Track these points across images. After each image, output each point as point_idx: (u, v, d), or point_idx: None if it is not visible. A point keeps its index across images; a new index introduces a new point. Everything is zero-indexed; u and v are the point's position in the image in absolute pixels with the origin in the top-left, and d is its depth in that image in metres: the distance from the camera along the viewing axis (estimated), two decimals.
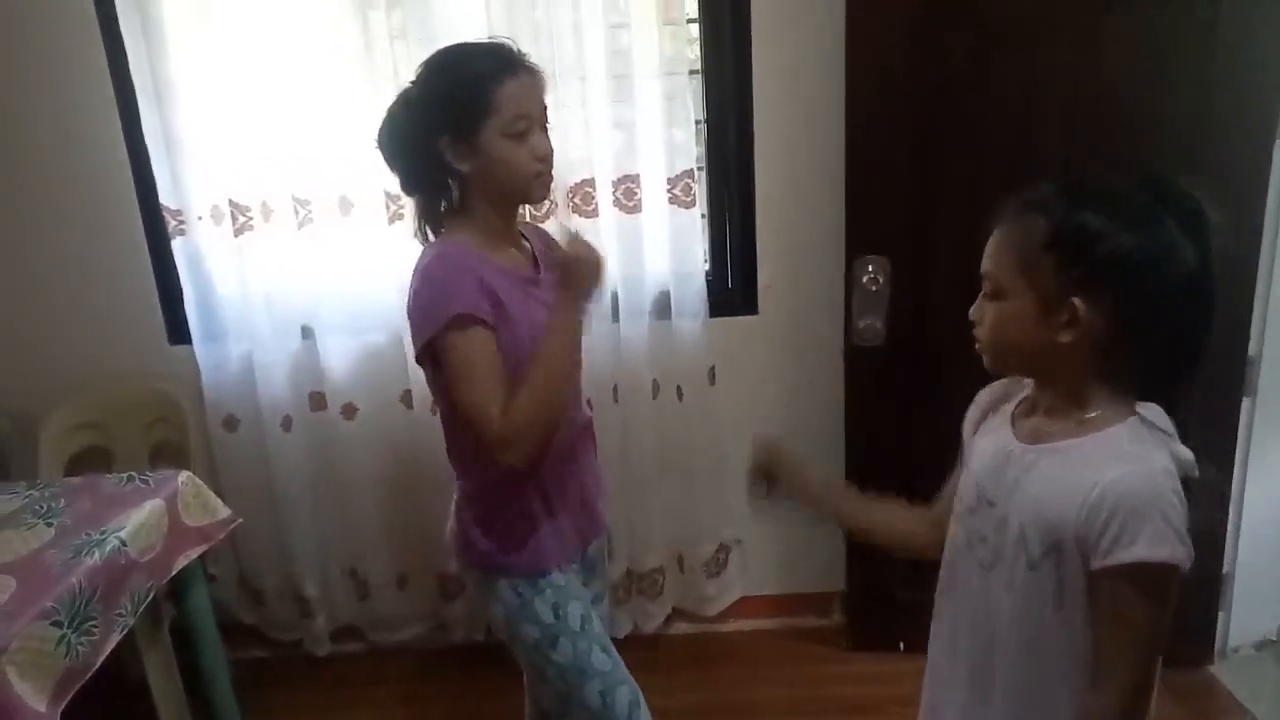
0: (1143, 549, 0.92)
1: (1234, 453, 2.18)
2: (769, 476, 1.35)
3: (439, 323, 1.32)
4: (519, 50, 1.39)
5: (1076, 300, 0.96)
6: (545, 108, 1.41)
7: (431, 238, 1.46)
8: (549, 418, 1.39)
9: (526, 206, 2.09)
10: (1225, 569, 2.28)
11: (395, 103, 1.41)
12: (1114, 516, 0.93)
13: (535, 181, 1.40)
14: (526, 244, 1.52)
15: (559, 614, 1.46)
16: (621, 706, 1.48)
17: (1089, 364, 0.99)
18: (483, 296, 1.33)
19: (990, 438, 1.12)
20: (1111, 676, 0.97)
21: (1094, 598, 0.98)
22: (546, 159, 1.40)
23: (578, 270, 1.39)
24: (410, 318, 1.37)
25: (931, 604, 1.25)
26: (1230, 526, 2.24)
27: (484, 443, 1.33)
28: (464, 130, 1.35)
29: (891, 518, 1.31)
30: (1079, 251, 0.96)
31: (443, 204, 1.44)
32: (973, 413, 1.20)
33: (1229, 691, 2.23)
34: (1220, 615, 2.31)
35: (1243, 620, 2.32)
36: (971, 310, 1.06)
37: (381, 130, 1.41)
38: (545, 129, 1.41)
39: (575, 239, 1.42)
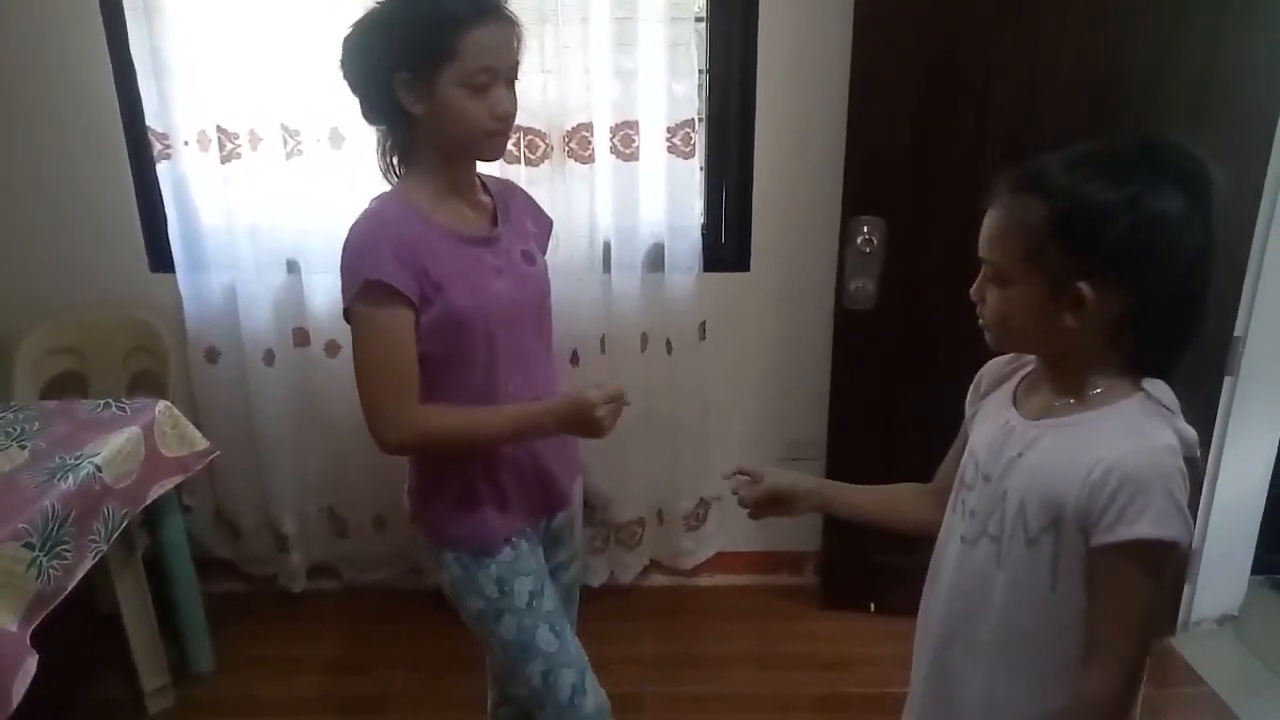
0: (1146, 526, 0.91)
1: (1212, 430, 2.21)
2: (771, 506, 1.30)
3: (350, 288, 1.26)
4: None
5: (1084, 285, 0.93)
6: (517, 63, 1.31)
7: (398, 174, 1.38)
8: (447, 449, 1.38)
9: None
10: (1194, 544, 2.32)
11: (358, 23, 1.29)
12: (1119, 493, 0.92)
13: (487, 140, 1.30)
14: (486, 198, 1.43)
15: (504, 589, 1.40)
16: (563, 689, 1.42)
17: (1097, 342, 0.97)
18: (401, 266, 1.24)
19: (991, 415, 1.10)
20: (1109, 653, 0.96)
21: (1090, 574, 0.97)
22: (506, 118, 1.30)
23: (588, 425, 1.32)
24: (340, 276, 1.30)
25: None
26: (1202, 502, 2.28)
27: (368, 417, 1.29)
28: (421, 71, 1.24)
29: (894, 502, 1.29)
30: (1086, 237, 0.92)
31: (402, 140, 1.35)
32: (977, 387, 1.18)
33: (1188, 663, 2.27)
34: (1186, 588, 2.35)
35: (1207, 595, 2.37)
36: (972, 290, 1.04)
37: (343, 51, 1.31)
38: (512, 85, 1.31)
39: (611, 399, 1.32)
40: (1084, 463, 0.95)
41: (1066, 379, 1.02)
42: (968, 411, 1.18)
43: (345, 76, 1.33)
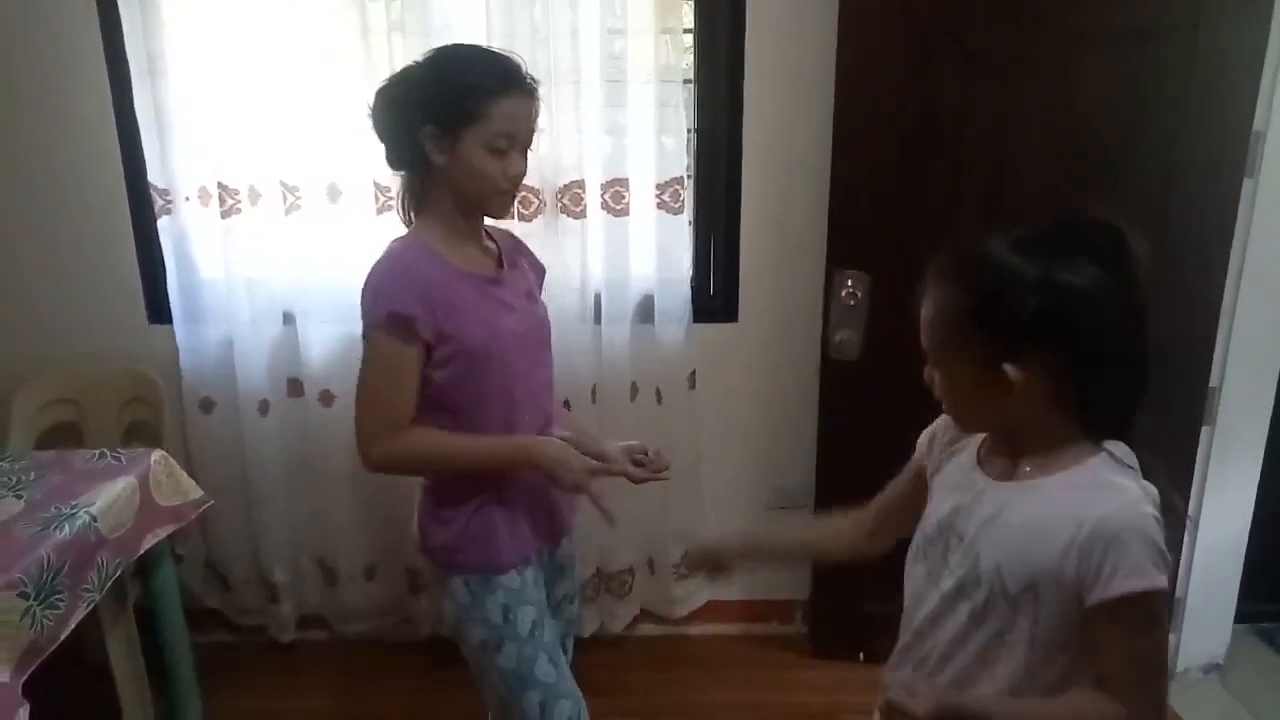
0: (1137, 580, 0.93)
1: (1191, 480, 2.25)
2: (712, 568, 1.38)
3: (370, 318, 1.37)
4: (527, 71, 1.41)
5: (1009, 367, 0.97)
6: (533, 131, 1.44)
7: (413, 219, 1.49)
8: (426, 469, 1.49)
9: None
10: (1178, 594, 2.34)
11: (394, 77, 1.43)
12: (1107, 552, 0.94)
13: (498, 198, 1.43)
14: (491, 244, 1.54)
15: (509, 617, 1.45)
16: None
17: (1044, 411, 1.01)
18: (420, 301, 1.35)
19: (958, 473, 1.13)
20: (1131, 707, 0.98)
21: (1090, 633, 0.99)
22: (517, 180, 1.43)
23: (562, 474, 1.43)
24: (360, 309, 1.41)
25: (893, 615, 1.27)
26: (1185, 553, 2.31)
27: (358, 433, 1.40)
28: (448, 127, 1.37)
29: (819, 535, 1.39)
30: (1001, 321, 0.97)
31: (421, 186, 1.47)
32: (935, 437, 1.21)
33: (1177, 714, 2.28)
34: (1171, 638, 2.37)
35: (1192, 644, 2.39)
36: (925, 374, 1.08)
37: (376, 100, 1.43)
38: (525, 151, 1.44)
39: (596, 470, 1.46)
40: (1065, 525, 0.97)
41: (1026, 444, 1.05)
42: (921, 457, 1.22)
43: (374, 124, 1.44)
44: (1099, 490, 0.98)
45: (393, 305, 1.35)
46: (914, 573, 1.17)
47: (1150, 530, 0.95)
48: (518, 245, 1.64)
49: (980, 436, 1.14)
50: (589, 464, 1.44)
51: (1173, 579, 2.26)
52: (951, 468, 1.16)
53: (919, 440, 1.24)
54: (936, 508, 1.14)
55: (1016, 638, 1.03)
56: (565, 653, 1.68)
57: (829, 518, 1.37)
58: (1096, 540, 0.95)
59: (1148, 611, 0.96)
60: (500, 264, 1.52)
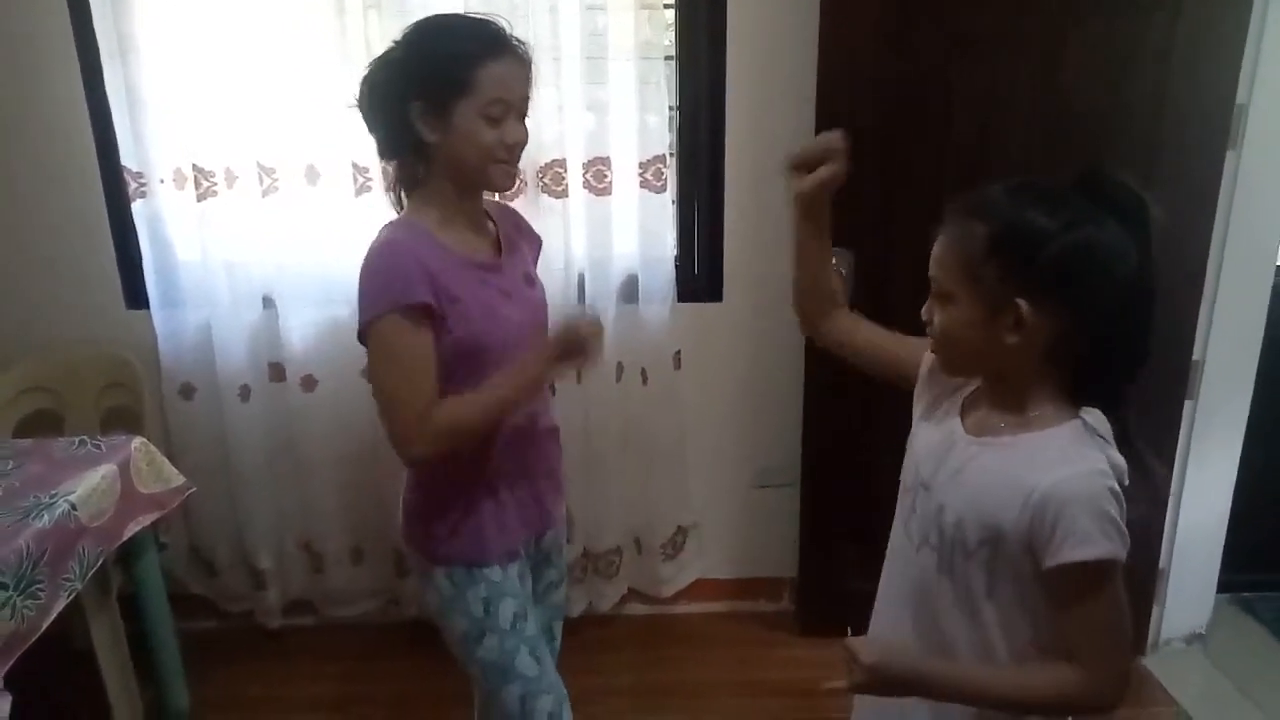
0: (1085, 549, 0.96)
1: (1174, 453, 2.26)
2: (808, 166, 1.29)
3: (375, 309, 1.30)
4: (511, 33, 1.35)
5: (1021, 302, 0.97)
6: (527, 96, 1.37)
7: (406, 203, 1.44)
8: (470, 436, 1.38)
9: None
10: (1161, 565, 2.37)
11: (375, 63, 1.37)
12: (1058, 519, 0.96)
13: (497, 168, 1.36)
14: (491, 226, 1.49)
15: (489, 609, 1.43)
16: (540, 715, 1.44)
17: (1036, 364, 1.02)
18: (425, 284, 1.30)
19: (938, 423, 1.15)
20: (1090, 672, 1.00)
21: (1050, 593, 1.01)
22: (516, 148, 1.36)
23: (574, 352, 1.39)
24: (357, 298, 1.34)
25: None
26: (1168, 524, 2.33)
27: (391, 434, 1.32)
28: (437, 101, 1.31)
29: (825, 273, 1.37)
30: (1022, 256, 0.97)
31: (417, 172, 1.40)
32: (927, 379, 1.20)
33: (1159, 683, 2.31)
34: (1155, 609, 2.40)
35: (1175, 614, 2.41)
36: (923, 310, 1.08)
37: (361, 90, 1.37)
38: (523, 118, 1.37)
39: (588, 324, 1.39)
40: (1020, 487, 0.99)
41: (1008, 398, 1.06)
42: (920, 382, 1.21)
43: (364, 114, 1.38)
44: (1059, 457, 0.99)
45: (403, 295, 1.28)
46: (897, 521, 1.19)
47: (1101, 501, 0.96)
48: (516, 221, 1.58)
49: (966, 390, 1.14)
50: (581, 323, 1.39)
51: (1155, 552, 2.31)
52: (934, 417, 1.17)
53: (923, 357, 1.21)
54: (913, 454, 1.16)
55: (979, 595, 1.05)
56: (554, 638, 1.67)
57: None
58: (1047, 506, 0.97)
59: (1097, 581, 0.98)
60: (499, 248, 1.47)
